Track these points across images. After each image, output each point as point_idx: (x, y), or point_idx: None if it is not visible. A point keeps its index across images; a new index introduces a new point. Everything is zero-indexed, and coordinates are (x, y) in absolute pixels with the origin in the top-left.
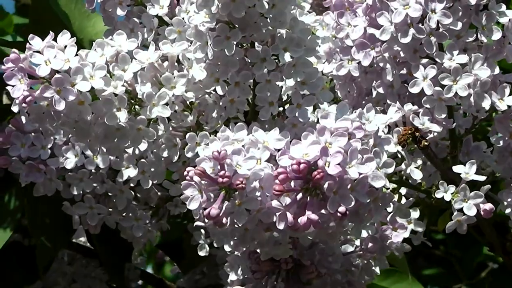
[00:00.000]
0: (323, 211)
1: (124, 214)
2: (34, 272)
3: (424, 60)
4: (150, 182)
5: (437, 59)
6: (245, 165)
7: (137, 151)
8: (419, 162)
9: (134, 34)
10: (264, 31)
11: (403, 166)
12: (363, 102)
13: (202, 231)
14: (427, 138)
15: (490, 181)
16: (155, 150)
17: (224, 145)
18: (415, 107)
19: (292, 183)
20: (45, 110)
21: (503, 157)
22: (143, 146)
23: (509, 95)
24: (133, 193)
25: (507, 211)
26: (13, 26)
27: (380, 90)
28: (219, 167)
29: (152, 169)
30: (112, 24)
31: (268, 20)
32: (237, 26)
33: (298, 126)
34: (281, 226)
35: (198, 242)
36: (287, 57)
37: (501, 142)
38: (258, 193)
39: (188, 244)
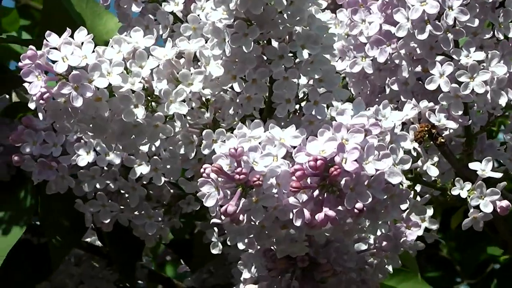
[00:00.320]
0: (339, 207)
1: (136, 212)
2: (42, 271)
3: (440, 57)
4: (163, 179)
5: (453, 56)
6: (261, 162)
7: (153, 148)
8: (436, 159)
9: (149, 31)
10: (281, 28)
11: (419, 163)
12: (376, 99)
13: (215, 229)
14: (443, 135)
15: (504, 179)
16: (170, 147)
17: (241, 142)
18: (431, 104)
19: (309, 180)
20: (62, 107)
21: None
22: (156, 143)
23: None
24: (145, 190)
25: None
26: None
27: (394, 87)
28: (235, 164)
29: (168, 166)
30: (127, 20)
31: (286, 17)
32: (254, 23)
33: (315, 124)
34: (298, 223)
35: (210, 240)
36: (305, 54)
37: None
38: (275, 190)
39: (197, 243)
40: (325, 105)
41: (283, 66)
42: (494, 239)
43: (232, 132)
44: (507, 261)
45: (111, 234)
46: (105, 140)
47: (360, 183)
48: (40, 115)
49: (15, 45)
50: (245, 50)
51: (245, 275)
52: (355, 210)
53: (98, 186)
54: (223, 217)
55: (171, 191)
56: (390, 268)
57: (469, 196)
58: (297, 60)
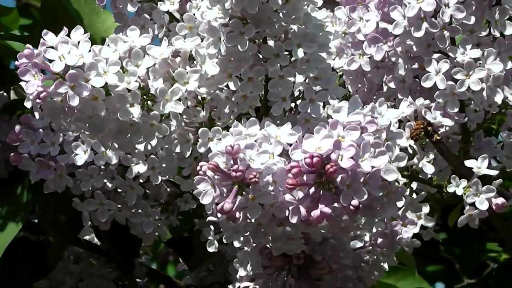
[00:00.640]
0: (335, 204)
1: (134, 210)
2: (41, 268)
3: (437, 55)
4: (160, 178)
5: (450, 54)
6: (258, 159)
7: (149, 147)
8: (431, 156)
9: (145, 30)
10: (277, 27)
11: (415, 160)
12: (374, 97)
13: (212, 227)
14: (439, 133)
15: (501, 177)
16: (166, 146)
17: (237, 140)
18: (427, 101)
19: (305, 177)
20: (59, 105)
21: None
22: (153, 142)
23: None
24: (143, 189)
25: None
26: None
27: (391, 85)
28: (232, 161)
29: (164, 165)
30: (123, 20)
31: (282, 15)
32: (250, 21)
33: (311, 122)
34: (294, 220)
35: (207, 238)
36: (300, 52)
37: None
38: (271, 188)
39: (197, 241)
40: (321, 103)
41: (278, 64)
42: (492, 237)
43: (228, 131)
44: (506, 261)
45: (109, 233)
46: (101, 139)
47: (356, 180)
48: (36, 114)
49: (15, 44)
50: (240, 49)
51: (241, 273)
52: (351, 207)
53: (95, 185)
54: (219, 215)
55: (168, 189)
56: (386, 265)
57: (465, 194)
58: (293, 59)
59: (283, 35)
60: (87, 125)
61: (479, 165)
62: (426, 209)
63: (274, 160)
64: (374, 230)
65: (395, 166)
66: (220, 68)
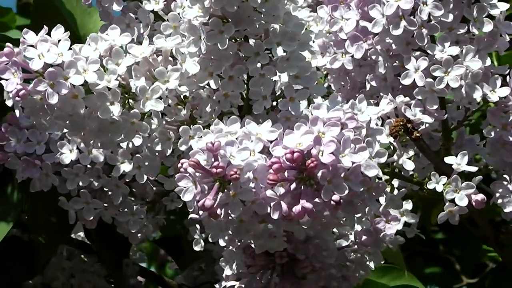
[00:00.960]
0: (317, 200)
1: (120, 209)
2: (34, 267)
3: (417, 53)
4: (145, 177)
5: (428, 51)
6: (238, 156)
7: (131, 145)
8: (411, 153)
9: (130, 29)
10: (257, 26)
11: (395, 157)
12: (357, 95)
13: (197, 226)
14: (419, 130)
15: (483, 174)
16: (149, 145)
17: (218, 137)
18: (407, 98)
19: (286, 173)
20: (39, 104)
21: (495, 149)
22: (138, 141)
23: (500, 86)
24: (128, 188)
25: (499, 202)
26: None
27: (374, 83)
28: (213, 158)
29: (147, 163)
30: (109, 19)
31: (262, 14)
32: (230, 20)
33: (291, 120)
34: (275, 216)
35: (193, 237)
36: (280, 51)
37: (493, 134)
38: (252, 184)
39: (187, 240)
40: (301, 102)
41: (259, 63)
42: (475, 233)
43: (209, 129)
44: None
45: (98, 231)
46: (83, 137)
47: (337, 176)
48: (17, 112)
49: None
50: (220, 47)
51: (227, 272)
52: (332, 202)
53: (81, 183)
54: (201, 212)
55: (155, 188)
56: (371, 264)
57: (445, 190)
58: (274, 57)
59: (263, 34)
60: (68, 123)
61: (458, 161)
62: (408, 205)
63: (255, 157)
64: (359, 228)
65: (375, 162)
66: (201, 67)
